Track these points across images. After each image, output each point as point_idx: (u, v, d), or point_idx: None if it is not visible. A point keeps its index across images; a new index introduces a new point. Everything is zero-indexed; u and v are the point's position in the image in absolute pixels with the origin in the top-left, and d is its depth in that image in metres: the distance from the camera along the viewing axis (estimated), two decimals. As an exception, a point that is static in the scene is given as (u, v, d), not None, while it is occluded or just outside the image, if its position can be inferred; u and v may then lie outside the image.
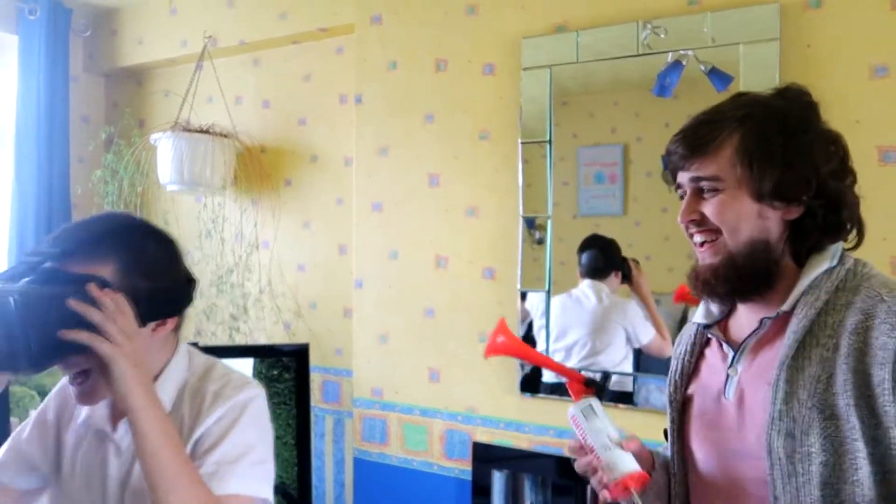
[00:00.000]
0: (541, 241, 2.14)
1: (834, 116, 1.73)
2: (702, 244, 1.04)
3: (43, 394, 2.38)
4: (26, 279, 0.95)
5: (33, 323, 0.90)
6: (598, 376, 1.15)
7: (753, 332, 1.03)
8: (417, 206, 2.36)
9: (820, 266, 0.99)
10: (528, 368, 2.15)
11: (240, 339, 2.77)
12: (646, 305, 2.05)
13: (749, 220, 0.99)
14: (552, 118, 2.10)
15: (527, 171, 2.15)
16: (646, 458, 1.11)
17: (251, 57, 2.91)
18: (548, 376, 2.14)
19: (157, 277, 1.08)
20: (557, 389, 2.07)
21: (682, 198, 1.06)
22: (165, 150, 2.69)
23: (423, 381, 2.35)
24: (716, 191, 1.00)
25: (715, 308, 1.11)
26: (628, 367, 2.01)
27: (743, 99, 1.05)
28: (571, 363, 2.07)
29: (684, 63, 1.92)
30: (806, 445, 0.92)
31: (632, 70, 2.01)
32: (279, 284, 2.80)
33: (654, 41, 1.95)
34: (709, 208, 1.01)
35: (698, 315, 1.12)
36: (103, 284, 0.98)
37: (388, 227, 2.42)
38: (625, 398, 1.97)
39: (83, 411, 1.16)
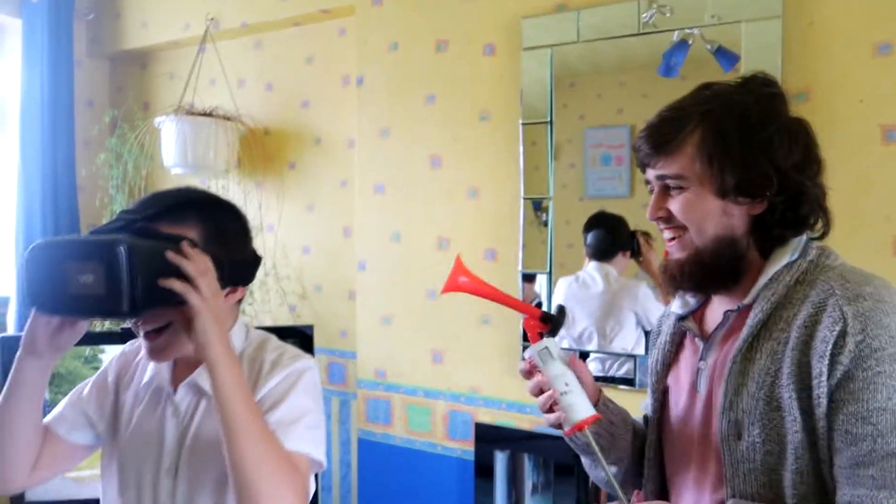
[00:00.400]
0: (546, 223, 2.13)
1: (837, 95, 1.73)
2: (670, 239, 1.06)
3: (71, 381, 2.40)
4: (123, 230, 1.02)
5: (138, 270, 0.96)
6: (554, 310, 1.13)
7: (719, 325, 1.05)
8: (419, 188, 2.36)
9: (781, 260, 1.00)
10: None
11: (245, 322, 2.78)
12: (656, 283, 2.02)
13: (713, 217, 1.00)
14: (554, 99, 2.09)
15: (528, 152, 2.14)
16: (589, 384, 1.11)
17: (253, 39, 2.90)
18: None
19: (232, 248, 1.14)
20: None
21: (651, 192, 1.07)
22: (169, 133, 2.69)
23: (426, 363, 2.36)
24: (680, 188, 1.01)
25: (691, 298, 1.12)
26: (641, 349, 2.01)
27: (705, 93, 1.04)
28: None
29: (690, 42, 1.90)
30: (752, 435, 0.95)
31: (639, 50, 1.99)
32: (284, 267, 2.81)
33: (659, 20, 1.93)
34: (675, 206, 1.02)
35: (675, 305, 1.14)
36: (193, 244, 1.04)
37: (390, 209, 2.42)
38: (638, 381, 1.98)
39: (147, 373, 1.22)
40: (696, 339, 1.10)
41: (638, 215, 2.07)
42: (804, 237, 1.02)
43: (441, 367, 2.34)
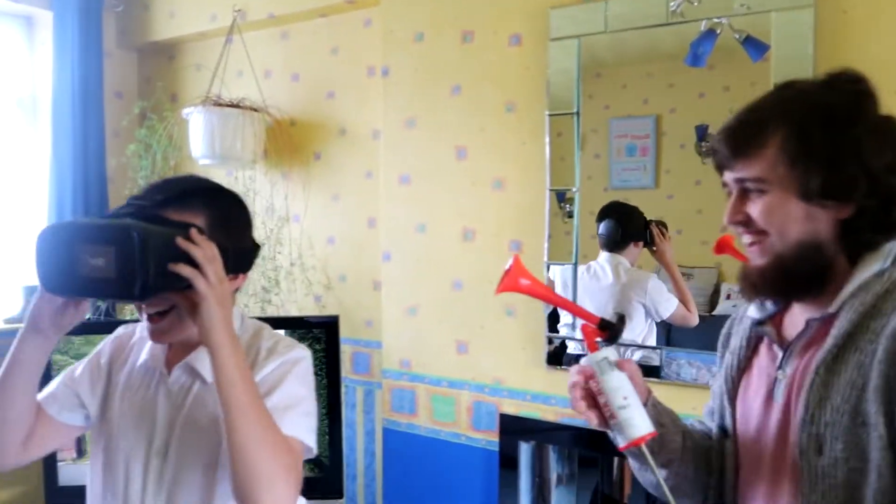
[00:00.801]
0: (570, 215, 2.12)
1: (870, 86, 1.70)
2: (750, 244, 1.01)
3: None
4: (133, 216, 1.03)
5: (150, 255, 0.98)
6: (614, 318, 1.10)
7: (800, 334, 1.01)
8: (445, 179, 2.36)
9: (871, 267, 0.95)
10: (556, 342, 2.16)
11: (271, 312, 2.81)
12: (669, 274, 2.01)
13: (797, 221, 0.96)
14: (581, 89, 2.07)
15: (554, 143, 2.13)
16: (640, 384, 1.08)
17: (280, 30, 2.91)
18: (573, 348, 2.14)
19: (235, 236, 1.17)
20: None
21: (729, 195, 1.03)
22: (197, 124, 2.72)
23: (451, 353, 2.37)
24: (761, 192, 0.97)
25: (769, 303, 1.08)
26: (652, 341, 2.00)
27: (787, 92, 1.01)
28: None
29: (718, 32, 1.88)
30: (835, 451, 0.91)
31: (665, 40, 1.97)
32: (309, 257, 2.83)
33: (687, 9, 1.91)
34: (755, 210, 0.98)
35: (751, 309, 1.10)
36: (201, 231, 1.06)
37: (415, 199, 2.43)
38: (650, 372, 1.96)
39: (143, 355, 1.25)
40: (775, 347, 1.05)
41: (662, 206, 2.06)
42: (894, 245, 0.97)
43: (466, 358, 2.34)
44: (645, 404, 1.06)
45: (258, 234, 2.84)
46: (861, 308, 0.92)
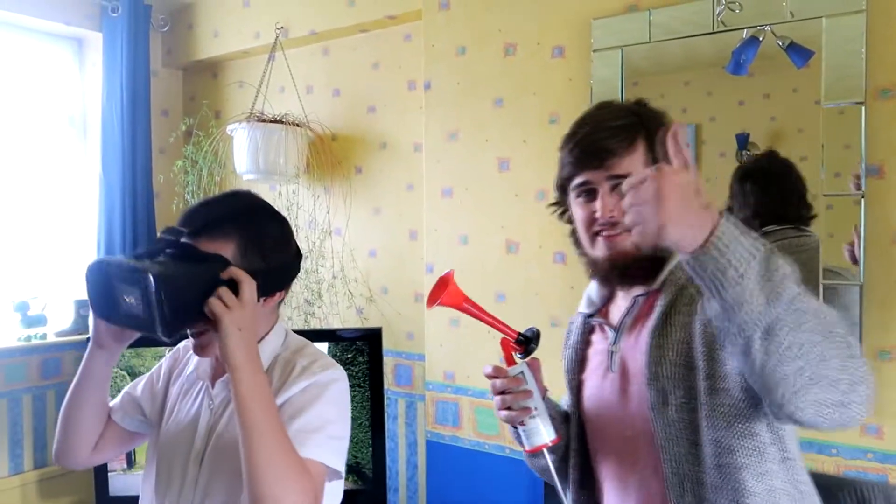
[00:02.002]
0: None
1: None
2: (607, 237, 1.15)
3: (133, 374, 2.52)
4: (165, 253, 1.10)
5: (166, 298, 1.02)
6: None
7: (628, 310, 1.20)
8: (487, 191, 2.37)
9: None
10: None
11: (314, 324, 2.84)
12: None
13: None
14: (623, 100, 2.07)
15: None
16: (540, 382, 1.23)
17: (321, 46, 2.96)
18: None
19: (271, 256, 1.19)
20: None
21: (578, 196, 1.18)
22: (241, 140, 2.77)
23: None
24: None
25: (596, 297, 1.27)
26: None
27: (625, 106, 1.22)
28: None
29: (761, 39, 1.86)
30: (677, 398, 1.09)
31: (704, 48, 1.96)
32: (351, 270, 2.86)
33: (729, 17, 1.89)
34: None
35: (582, 306, 1.30)
36: (227, 263, 1.11)
37: (458, 212, 2.43)
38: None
39: (191, 364, 1.32)
40: (607, 328, 1.23)
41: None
42: None
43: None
44: (542, 398, 1.21)
45: (302, 247, 2.89)
46: (679, 282, 1.13)
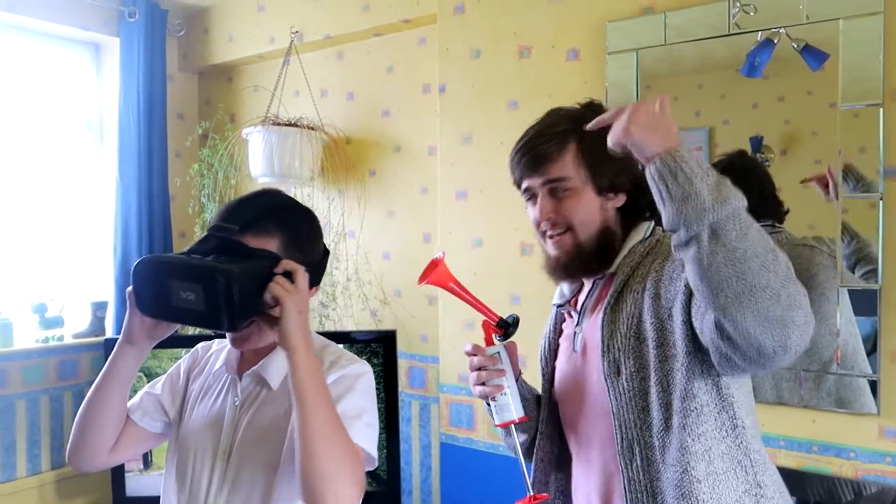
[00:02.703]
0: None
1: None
2: (553, 237, 1.24)
3: (150, 375, 2.53)
4: (214, 253, 1.13)
5: (235, 295, 1.06)
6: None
7: (588, 293, 1.28)
8: (502, 194, 2.37)
9: (636, 238, 1.24)
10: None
11: (329, 326, 2.85)
12: None
13: (595, 213, 1.22)
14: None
15: (613, 156, 2.12)
16: (515, 364, 1.32)
17: (335, 50, 2.98)
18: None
19: (308, 252, 1.24)
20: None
21: (527, 200, 1.28)
22: (256, 144, 2.79)
23: (509, 368, 2.36)
24: (567, 190, 1.21)
25: (566, 289, 1.34)
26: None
27: (563, 113, 1.28)
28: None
29: (776, 41, 1.85)
30: (629, 367, 1.16)
31: (718, 51, 1.96)
32: (365, 273, 2.87)
33: (744, 19, 1.89)
34: (565, 207, 1.22)
35: (555, 297, 1.38)
36: (276, 259, 1.15)
37: (472, 214, 2.44)
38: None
39: (218, 361, 1.34)
40: (572, 313, 1.32)
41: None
42: (652, 222, 1.25)
43: (524, 373, 2.33)
44: (516, 380, 1.31)
45: (316, 250, 2.91)
46: (632, 263, 1.21)
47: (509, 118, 2.34)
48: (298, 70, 2.95)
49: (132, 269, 1.14)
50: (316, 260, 1.27)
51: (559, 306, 1.38)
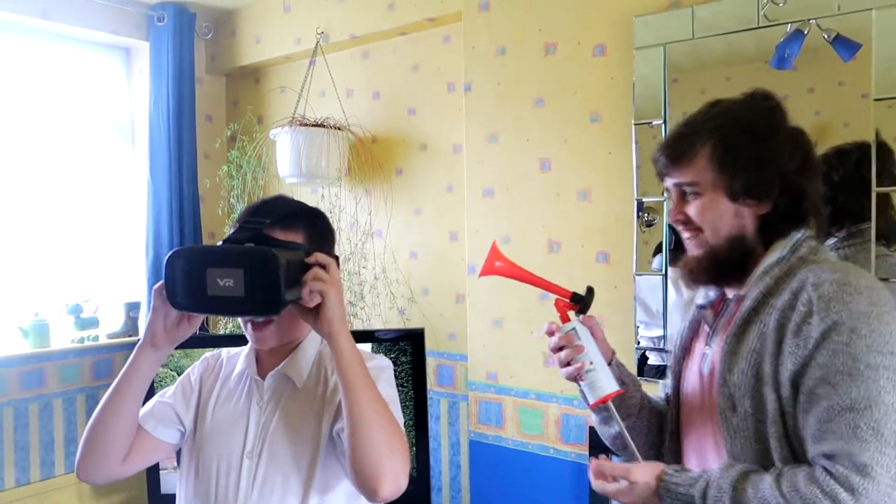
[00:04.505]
0: (650, 224, 2.10)
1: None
2: (688, 239, 1.19)
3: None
4: (252, 240, 1.15)
5: (281, 276, 1.08)
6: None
7: (720, 313, 1.21)
8: (529, 191, 2.37)
9: (774, 255, 1.13)
10: (639, 353, 2.12)
11: (357, 325, 2.87)
12: None
13: (726, 218, 1.14)
14: (667, 97, 2.05)
15: (640, 152, 2.10)
16: (602, 340, 1.26)
17: (361, 50, 2.99)
18: (653, 359, 2.10)
19: (327, 250, 1.26)
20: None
21: (669, 198, 1.22)
22: (284, 144, 2.81)
23: (538, 365, 2.36)
24: (696, 194, 1.15)
25: (711, 291, 1.26)
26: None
27: (714, 110, 1.18)
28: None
29: (806, 32, 1.82)
30: (744, 407, 1.08)
31: (747, 43, 1.93)
32: (393, 271, 2.88)
33: (773, 11, 1.86)
34: (692, 210, 1.16)
35: (698, 297, 1.30)
36: (307, 251, 1.17)
37: (499, 212, 2.44)
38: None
39: (238, 366, 1.36)
40: (706, 327, 1.25)
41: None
42: (799, 234, 1.14)
43: (553, 370, 2.32)
44: (609, 363, 1.25)
45: (344, 249, 2.93)
46: (764, 288, 1.11)
47: (535, 116, 2.33)
48: (324, 70, 2.97)
49: (165, 261, 1.12)
50: (336, 260, 1.29)
51: (701, 307, 1.28)
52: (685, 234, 1.20)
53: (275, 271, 1.07)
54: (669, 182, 1.19)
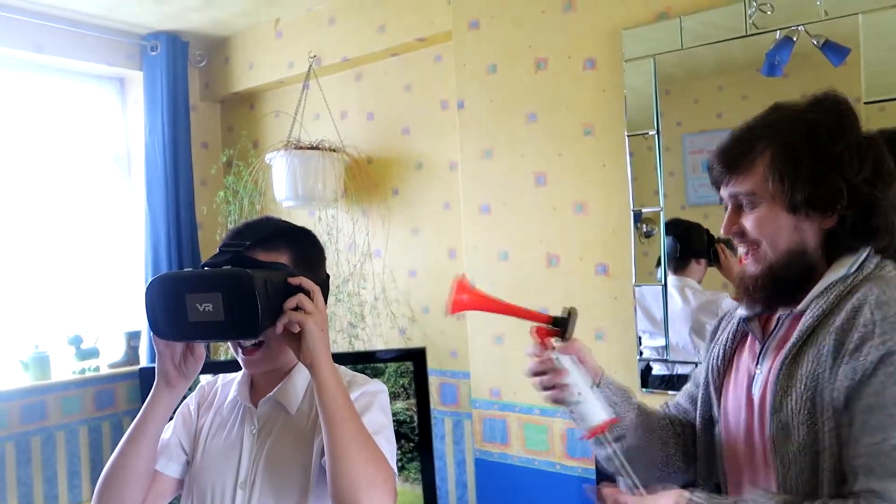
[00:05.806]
0: (648, 235, 2.10)
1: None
2: (746, 253, 1.11)
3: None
4: (232, 262, 1.13)
5: (258, 297, 1.05)
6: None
7: (773, 331, 1.10)
8: (525, 206, 2.37)
9: (838, 272, 1.04)
10: (642, 364, 2.11)
11: (359, 346, 2.86)
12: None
13: (786, 232, 1.05)
14: (658, 108, 2.06)
15: (634, 163, 2.11)
16: (590, 363, 1.18)
17: (353, 72, 3.01)
18: (657, 369, 2.09)
19: (315, 271, 1.25)
20: (674, 383, 2.02)
21: (726, 209, 1.12)
22: (279, 168, 2.82)
23: (540, 380, 2.35)
24: (753, 205, 1.07)
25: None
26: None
27: (775, 114, 1.10)
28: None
29: (795, 39, 1.83)
30: (801, 435, 1.00)
31: (737, 52, 1.94)
32: (392, 291, 2.88)
33: (761, 19, 1.88)
34: (749, 222, 1.08)
35: (742, 307, 1.18)
36: (290, 272, 1.15)
37: (496, 228, 2.44)
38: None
39: (230, 393, 1.33)
40: (757, 343, 1.14)
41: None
42: (869, 250, 1.05)
43: (556, 385, 2.32)
44: (598, 384, 1.17)
45: (343, 270, 2.93)
46: (824, 307, 1.02)
47: (529, 130, 2.34)
48: (318, 93, 2.99)
49: (144, 291, 1.09)
50: (322, 280, 1.27)
51: (746, 320, 1.17)
52: (741, 249, 1.12)
53: (250, 292, 1.04)
54: (724, 192, 1.11)
